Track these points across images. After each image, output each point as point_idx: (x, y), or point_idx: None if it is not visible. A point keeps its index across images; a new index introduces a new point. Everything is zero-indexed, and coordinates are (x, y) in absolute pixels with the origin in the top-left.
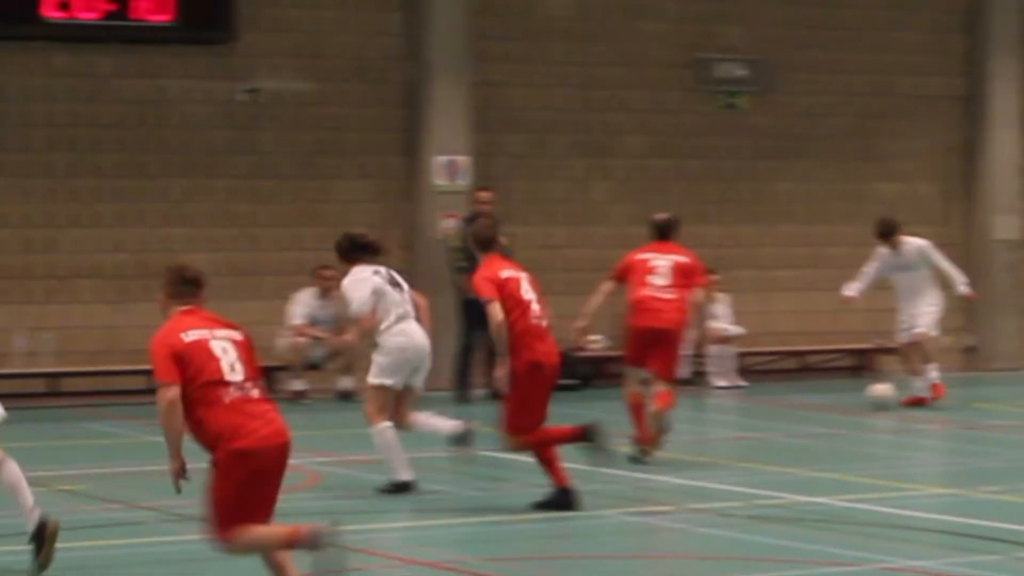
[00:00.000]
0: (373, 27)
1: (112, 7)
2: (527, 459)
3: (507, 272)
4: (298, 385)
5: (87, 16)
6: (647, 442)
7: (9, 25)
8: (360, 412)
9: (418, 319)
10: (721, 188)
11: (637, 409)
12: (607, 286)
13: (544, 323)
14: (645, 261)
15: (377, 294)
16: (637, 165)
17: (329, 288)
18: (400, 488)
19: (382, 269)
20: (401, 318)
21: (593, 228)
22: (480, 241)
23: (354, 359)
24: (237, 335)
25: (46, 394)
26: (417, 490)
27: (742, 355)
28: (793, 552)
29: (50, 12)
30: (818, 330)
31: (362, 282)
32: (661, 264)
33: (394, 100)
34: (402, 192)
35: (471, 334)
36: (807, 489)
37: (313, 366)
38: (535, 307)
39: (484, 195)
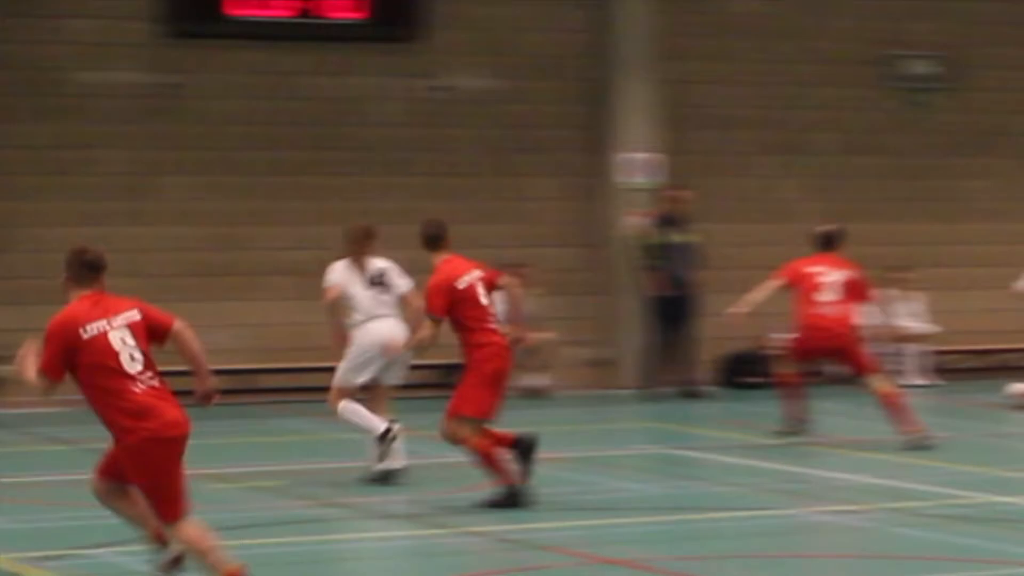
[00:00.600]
0: (561, 24)
1: (305, 5)
2: (718, 457)
3: (464, 281)
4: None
5: (280, 14)
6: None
7: (203, 23)
8: (551, 409)
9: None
10: (911, 185)
11: (792, 389)
12: (775, 283)
13: (497, 327)
14: (812, 276)
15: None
16: (826, 162)
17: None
18: (384, 436)
19: (383, 264)
20: (370, 318)
21: (782, 225)
22: (428, 240)
23: (548, 357)
24: (134, 316)
25: (242, 391)
26: (395, 436)
27: (936, 354)
28: (988, 553)
29: (243, 10)
30: (1014, 328)
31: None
32: (829, 280)
33: (581, 97)
34: (590, 190)
35: (660, 332)
36: (1001, 489)
37: None
38: (489, 312)
39: (677, 193)
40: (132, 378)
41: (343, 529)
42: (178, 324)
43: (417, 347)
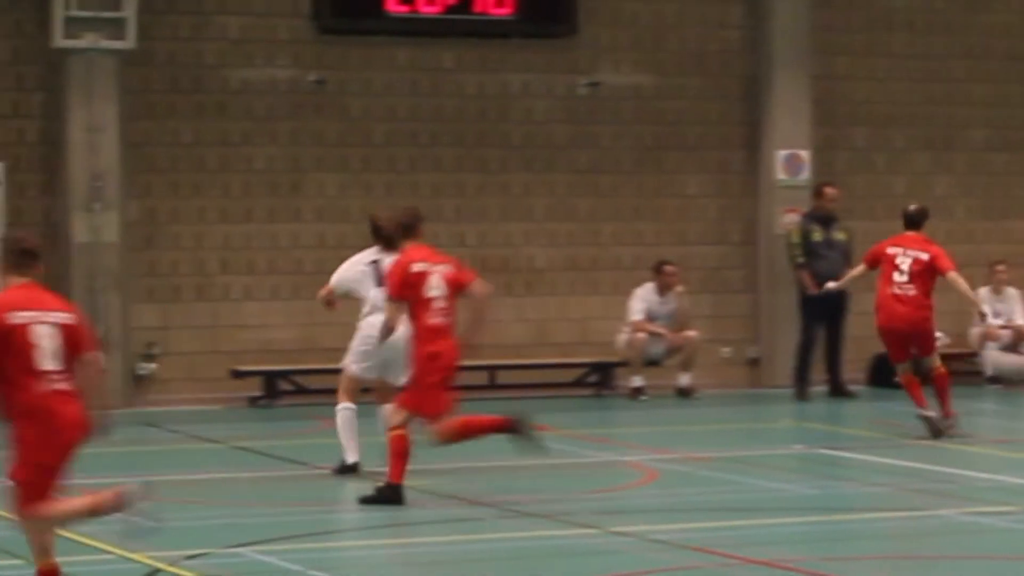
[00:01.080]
0: (714, 19)
1: (454, 1)
2: (866, 457)
3: (419, 265)
4: (636, 381)
5: (430, 11)
6: (947, 415)
7: (354, 20)
8: (699, 409)
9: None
10: None
11: (913, 387)
12: (860, 269)
13: (444, 321)
14: (892, 256)
15: (356, 280)
16: (979, 159)
17: (669, 284)
18: (345, 470)
19: (383, 259)
20: (375, 310)
21: (936, 223)
22: (400, 227)
23: (694, 356)
24: (68, 318)
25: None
26: (360, 473)
27: None
28: None
29: (394, 7)
30: None
31: (354, 263)
32: (904, 260)
33: (735, 93)
34: (742, 187)
35: (811, 330)
36: None
37: (652, 362)
38: (437, 304)
39: (830, 191)
40: (41, 375)
41: (491, 529)
42: (95, 355)
43: (382, 332)
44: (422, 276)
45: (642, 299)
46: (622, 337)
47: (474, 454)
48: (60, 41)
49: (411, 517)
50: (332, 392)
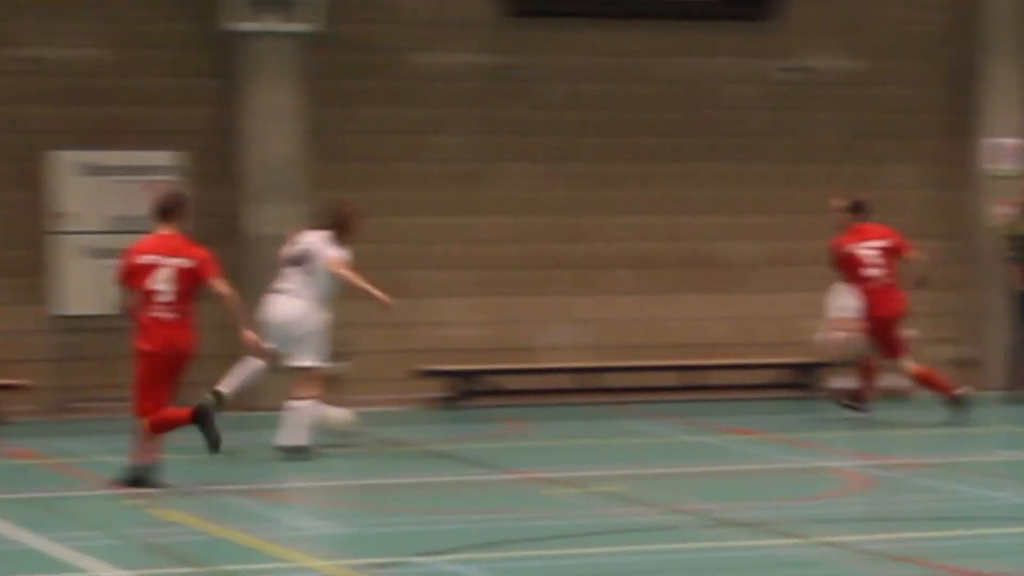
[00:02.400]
0: (922, 1)
1: None
2: None
3: (147, 258)
4: (841, 382)
5: None
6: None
7: (546, 2)
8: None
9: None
10: None
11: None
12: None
13: (165, 313)
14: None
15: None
16: None
17: None
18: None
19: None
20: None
21: None
22: (153, 211)
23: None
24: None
25: (581, 390)
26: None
27: None
28: None
29: None
30: None
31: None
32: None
33: (944, 79)
34: (951, 177)
35: (1023, 329)
36: None
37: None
38: (162, 297)
39: None
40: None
41: (688, 538)
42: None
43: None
44: (148, 268)
45: (843, 295)
46: (822, 335)
47: (667, 458)
48: (237, 24)
49: (602, 525)
50: (525, 393)
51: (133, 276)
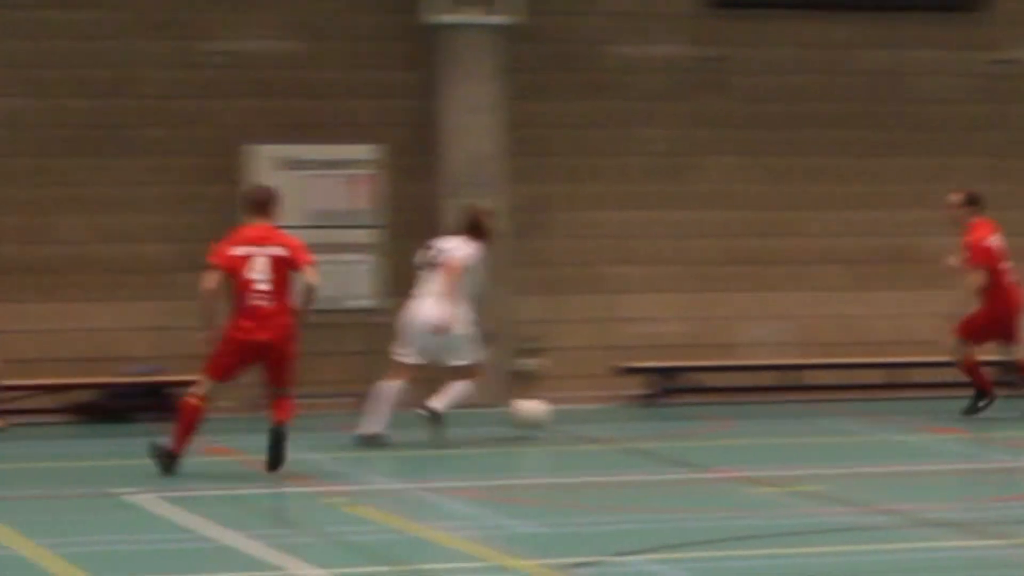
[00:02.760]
0: None
1: None
2: None
3: (247, 249)
4: None
5: None
6: None
7: None
8: None
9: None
10: None
11: None
12: None
13: (263, 303)
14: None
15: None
16: None
17: None
18: (363, 440)
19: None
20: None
21: None
22: (248, 204)
23: None
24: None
25: (783, 388)
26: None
27: None
28: None
29: None
30: None
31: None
32: None
33: None
34: None
35: None
36: None
37: None
38: (259, 286)
39: None
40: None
41: (891, 538)
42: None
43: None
44: (244, 260)
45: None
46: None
47: (871, 458)
48: (437, 16)
49: (804, 525)
50: (727, 390)
51: (231, 266)
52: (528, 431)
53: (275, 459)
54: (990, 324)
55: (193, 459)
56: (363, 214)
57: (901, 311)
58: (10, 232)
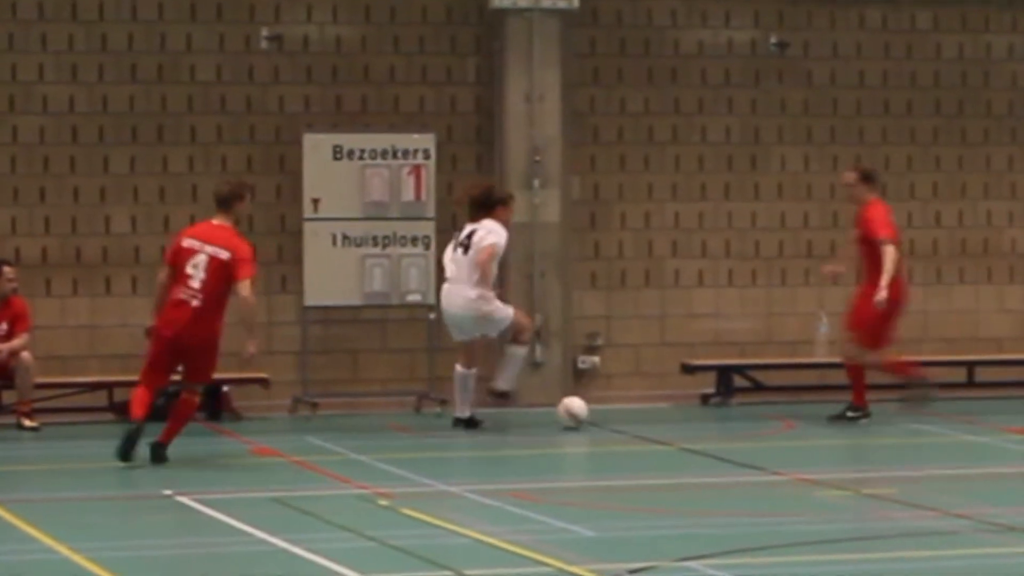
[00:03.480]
0: None
1: None
2: None
3: (187, 241)
4: None
5: None
6: None
7: None
8: None
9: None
10: None
11: None
12: None
13: (191, 300)
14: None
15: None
16: None
17: None
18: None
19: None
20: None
21: None
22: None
23: None
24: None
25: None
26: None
27: None
28: None
29: None
30: None
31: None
32: None
33: None
34: None
35: None
36: None
37: None
38: (191, 283)
39: None
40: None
41: (966, 543)
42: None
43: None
44: (186, 252)
45: None
46: None
47: (944, 460)
48: (498, 1)
49: (877, 529)
50: (793, 389)
51: (173, 257)
52: (571, 426)
53: (123, 451)
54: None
55: (239, 460)
56: (420, 205)
57: (976, 306)
58: (55, 223)
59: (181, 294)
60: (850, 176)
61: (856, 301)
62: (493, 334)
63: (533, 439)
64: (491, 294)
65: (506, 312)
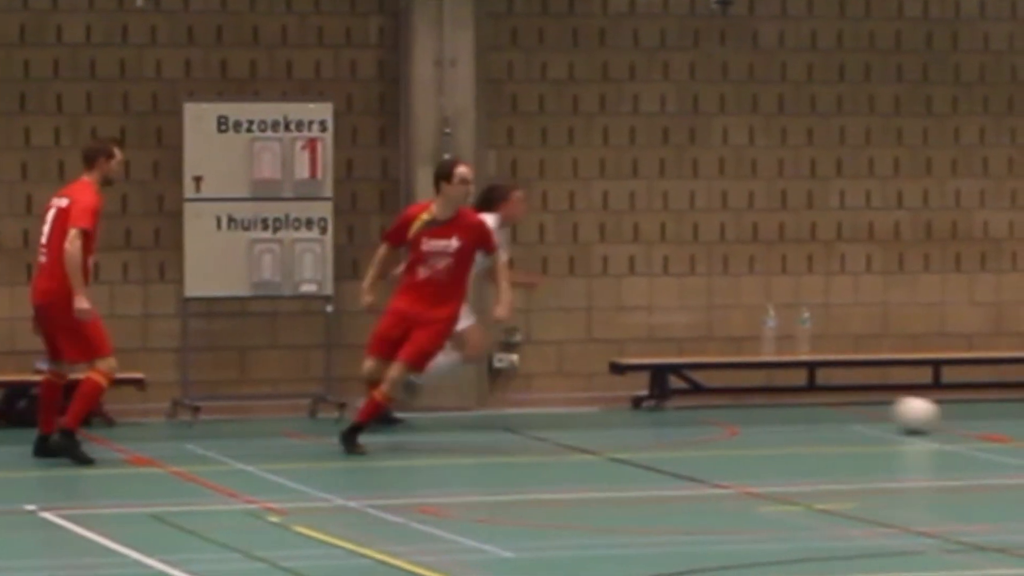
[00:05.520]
0: None
1: None
2: None
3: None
4: None
5: None
6: None
7: None
8: None
9: None
10: None
11: None
12: None
13: (41, 258)
14: None
15: None
16: None
17: None
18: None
19: None
20: None
21: None
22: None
23: None
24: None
25: (801, 388)
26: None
27: None
28: None
29: None
30: None
31: None
32: None
33: None
34: None
35: None
36: None
37: None
38: (42, 240)
39: None
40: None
41: (930, 565)
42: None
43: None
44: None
45: None
46: None
47: (905, 471)
48: None
49: (831, 550)
50: (737, 391)
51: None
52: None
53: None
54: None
55: (111, 470)
56: (315, 184)
57: (945, 298)
58: None
59: (39, 256)
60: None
61: None
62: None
63: (442, 447)
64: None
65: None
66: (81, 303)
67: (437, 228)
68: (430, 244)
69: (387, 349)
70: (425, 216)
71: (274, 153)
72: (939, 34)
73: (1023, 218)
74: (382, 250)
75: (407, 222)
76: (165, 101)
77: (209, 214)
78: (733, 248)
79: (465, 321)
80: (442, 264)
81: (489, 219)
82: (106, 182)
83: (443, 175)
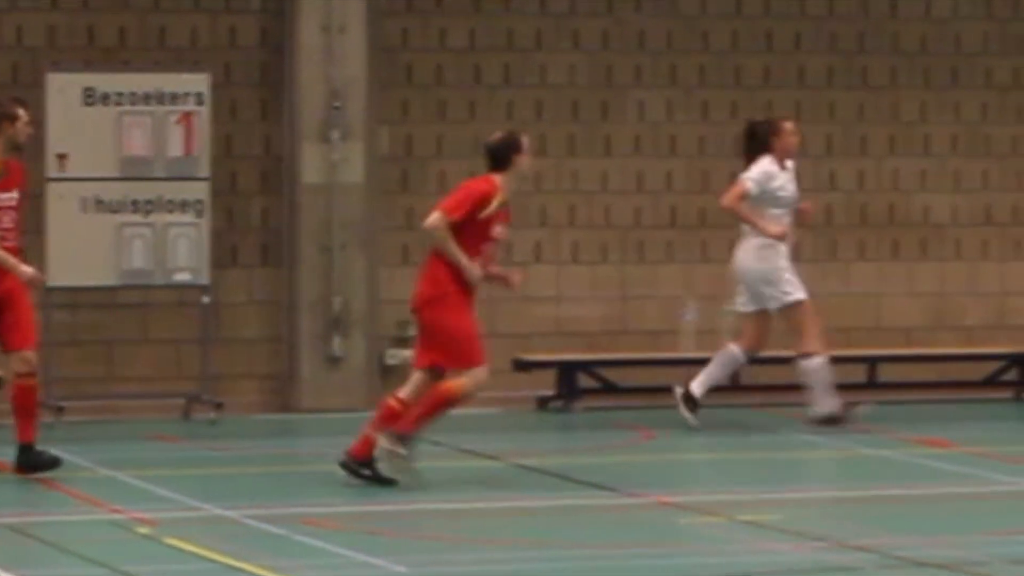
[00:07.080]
0: None
1: None
2: None
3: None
4: None
5: None
6: None
7: None
8: None
9: None
10: None
11: None
12: None
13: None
14: None
15: None
16: None
17: None
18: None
19: None
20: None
21: None
22: None
23: None
24: None
25: (723, 388)
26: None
27: None
28: None
29: None
30: None
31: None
32: None
33: None
34: None
35: None
36: None
37: None
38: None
39: None
40: None
41: None
42: None
43: None
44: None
45: None
46: None
47: (837, 479)
48: None
49: (755, 564)
50: (649, 391)
51: None
52: None
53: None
54: None
55: None
56: (191, 162)
57: (881, 289)
58: None
59: None
60: None
61: None
62: None
63: (327, 452)
64: None
65: None
66: None
67: (503, 212)
68: (498, 231)
69: None
70: (500, 197)
71: (145, 128)
72: (876, 0)
73: (967, 202)
74: (448, 232)
75: (482, 201)
76: (26, 71)
77: (73, 195)
78: (649, 234)
79: None
80: (494, 253)
81: (764, 162)
82: (13, 147)
83: (515, 147)
